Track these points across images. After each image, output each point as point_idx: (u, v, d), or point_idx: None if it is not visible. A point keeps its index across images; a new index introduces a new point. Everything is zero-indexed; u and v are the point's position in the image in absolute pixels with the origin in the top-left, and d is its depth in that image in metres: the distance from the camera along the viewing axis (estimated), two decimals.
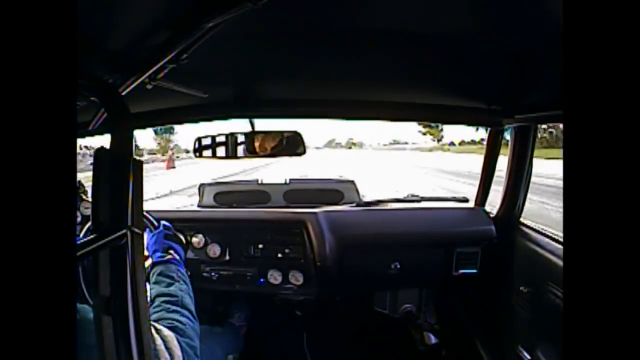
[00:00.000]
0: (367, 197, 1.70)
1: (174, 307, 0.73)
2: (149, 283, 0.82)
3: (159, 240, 0.97)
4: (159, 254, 0.92)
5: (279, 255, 1.42)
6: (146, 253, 0.98)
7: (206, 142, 1.18)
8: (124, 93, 0.68)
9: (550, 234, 1.22)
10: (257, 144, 1.16)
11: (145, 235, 1.05)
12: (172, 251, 0.94)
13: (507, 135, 1.39)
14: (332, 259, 1.37)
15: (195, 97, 1.03)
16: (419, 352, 1.75)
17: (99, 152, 0.41)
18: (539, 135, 1.43)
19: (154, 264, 0.88)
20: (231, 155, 1.16)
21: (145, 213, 1.12)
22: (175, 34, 0.55)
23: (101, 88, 0.46)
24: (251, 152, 1.16)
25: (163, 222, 1.05)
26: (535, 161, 1.38)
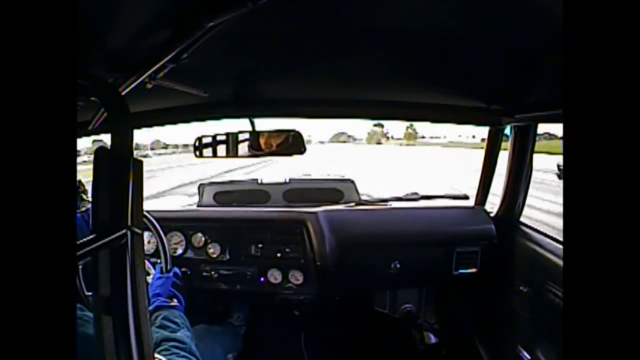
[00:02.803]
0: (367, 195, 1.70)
1: (183, 353, 0.76)
2: (153, 326, 0.84)
3: (166, 287, 0.98)
4: (162, 298, 0.93)
5: (279, 254, 1.42)
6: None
7: (206, 141, 1.18)
8: (124, 93, 0.68)
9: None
10: (257, 144, 1.16)
11: (152, 272, 1.07)
12: (175, 299, 0.95)
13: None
14: (332, 258, 1.37)
15: (195, 97, 1.03)
16: (419, 352, 1.75)
17: (99, 151, 0.40)
18: None
19: (157, 308, 0.90)
20: (232, 154, 1.17)
21: (146, 213, 1.13)
22: (175, 34, 0.55)
23: (101, 88, 0.46)
24: (251, 151, 1.16)
25: (175, 269, 1.05)
26: None
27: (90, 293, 0.89)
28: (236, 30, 0.60)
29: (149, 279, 1.04)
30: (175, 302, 0.93)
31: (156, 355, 0.70)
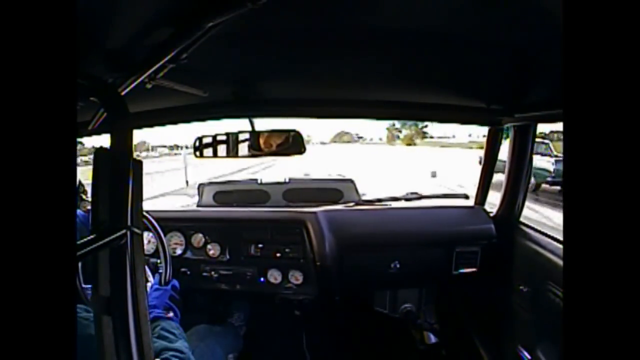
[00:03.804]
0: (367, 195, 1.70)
1: None
2: (152, 336, 0.85)
3: (162, 299, 0.98)
4: (158, 310, 0.94)
5: (279, 254, 1.42)
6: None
7: (207, 141, 1.18)
8: (124, 93, 0.68)
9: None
10: (257, 144, 1.16)
11: (151, 280, 1.07)
12: (171, 312, 0.96)
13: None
14: (332, 258, 1.37)
15: (195, 97, 1.03)
16: (419, 352, 1.75)
17: (99, 152, 0.40)
18: None
19: (155, 319, 0.91)
20: (232, 154, 1.17)
21: (146, 213, 1.13)
22: (175, 34, 0.55)
23: (101, 88, 0.46)
24: (251, 152, 1.16)
25: (174, 281, 1.06)
26: None
27: (87, 286, 0.89)
28: (236, 30, 0.60)
29: (148, 285, 1.04)
30: (171, 315, 0.94)
31: None
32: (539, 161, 6.46)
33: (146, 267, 1.14)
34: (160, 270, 1.06)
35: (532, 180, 6.62)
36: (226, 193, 1.79)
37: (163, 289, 1.01)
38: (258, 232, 1.44)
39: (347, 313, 1.91)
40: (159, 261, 1.09)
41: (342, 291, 1.50)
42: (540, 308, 1.18)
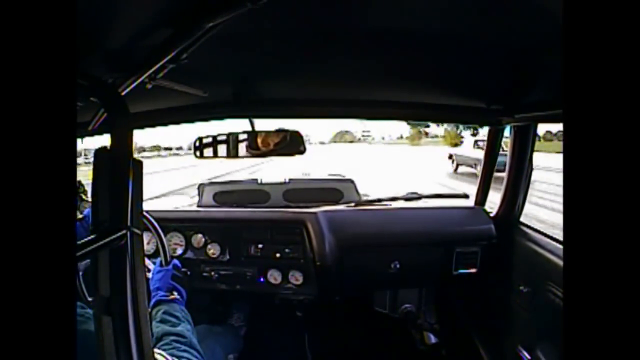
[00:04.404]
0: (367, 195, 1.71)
1: (184, 347, 0.76)
2: (154, 320, 0.84)
3: (165, 280, 0.97)
4: (162, 292, 0.93)
5: (279, 255, 1.42)
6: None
7: (207, 141, 1.18)
8: (124, 93, 0.68)
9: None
10: (257, 143, 1.16)
11: (152, 267, 1.06)
12: (175, 292, 0.95)
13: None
14: (332, 258, 1.37)
15: (195, 97, 1.03)
16: (419, 352, 1.75)
17: (99, 152, 0.40)
18: None
19: (157, 302, 0.90)
20: (232, 154, 1.17)
21: (146, 214, 1.13)
22: (175, 34, 0.55)
23: (101, 88, 0.46)
24: (251, 152, 1.16)
25: (175, 261, 1.05)
26: None
27: (92, 299, 0.89)
28: (236, 30, 0.60)
29: (149, 274, 1.04)
30: (175, 295, 0.93)
31: (157, 350, 0.70)
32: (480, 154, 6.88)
33: (146, 259, 1.14)
34: (160, 257, 1.06)
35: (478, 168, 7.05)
36: (226, 193, 1.79)
37: (165, 269, 1.00)
38: (258, 232, 1.44)
39: (347, 313, 1.91)
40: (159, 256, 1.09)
41: (342, 291, 1.50)
42: (540, 308, 1.18)
